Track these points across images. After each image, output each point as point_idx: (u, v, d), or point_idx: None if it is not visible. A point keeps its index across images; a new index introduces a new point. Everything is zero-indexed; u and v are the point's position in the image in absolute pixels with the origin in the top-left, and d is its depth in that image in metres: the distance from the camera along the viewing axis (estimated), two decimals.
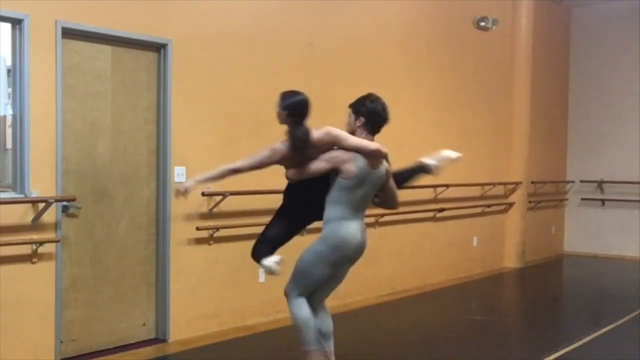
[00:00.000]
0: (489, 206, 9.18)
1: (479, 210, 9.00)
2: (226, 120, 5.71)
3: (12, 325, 4.38)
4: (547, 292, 8.47)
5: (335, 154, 3.87)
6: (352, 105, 4.07)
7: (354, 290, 7.01)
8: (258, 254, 3.99)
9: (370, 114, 3.97)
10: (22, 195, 4.40)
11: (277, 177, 6.13)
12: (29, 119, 4.40)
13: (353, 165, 3.81)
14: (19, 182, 4.43)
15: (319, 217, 3.97)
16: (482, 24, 8.89)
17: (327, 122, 6.69)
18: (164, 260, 5.30)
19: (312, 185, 3.93)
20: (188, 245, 5.44)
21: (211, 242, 5.59)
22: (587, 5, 11.23)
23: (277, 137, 6.14)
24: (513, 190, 9.74)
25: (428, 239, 8.14)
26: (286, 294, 4.04)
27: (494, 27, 9.00)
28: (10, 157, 4.50)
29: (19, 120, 4.41)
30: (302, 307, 3.96)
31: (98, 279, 4.95)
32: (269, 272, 3.94)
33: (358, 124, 3.99)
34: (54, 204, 4.51)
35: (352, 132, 3.99)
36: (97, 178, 4.93)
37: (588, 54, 11.35)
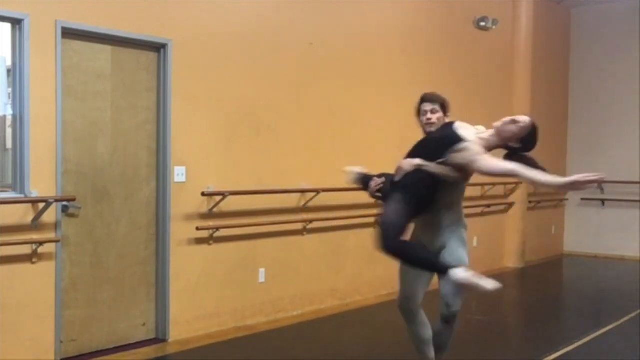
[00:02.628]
0: (488, 206, 9.17)
1: (479, 210, 9.00)
2: (226, 120, 5.71)
3: (12, 325, 4.38)
4: (547, 292, 8.46)
5: None
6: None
7: (354, 290, 7.02)
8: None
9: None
10: (22, 195, 4.40)
11: (277, 177, 6.16)
12: (29, 119, 4.40)
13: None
14: (19, 182, 4.42)
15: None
16: (482, 24, 8.89)
17: (327, 123, 6.74)
18: (164, 260, 5.29)
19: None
20: (188, 245, 5.44)
21: (211, 242, 5.59)
22: (587, 5, 11.23)
23: (276, 137, 6.18)
24: (513, 190, 9.73)
25: None
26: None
27: (494, 27, 9.00)
28: (10, 157, 4.50)
29: (19, 120, 4.41)
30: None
31: (98, 279, 4.95)
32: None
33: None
34: (54, 204, 4.51)
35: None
36: (97, 178, 4.93)
37: (588, 54, 11.34)
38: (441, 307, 4.00)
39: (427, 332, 4.10)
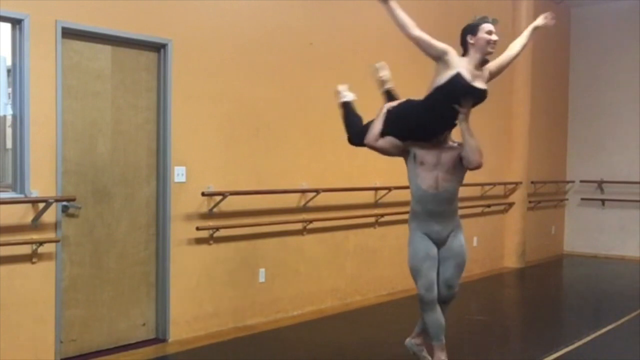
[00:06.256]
0: (488, 206, 9.18)
1: (478, 210, 9.00)
2: (226, 120, 5.71)
3: (12, 325, 4.38)
4: (547, 292, 8.46)
5: None
6: None
7: (354, 290, 7.02)
8: None
9: None
10: (22, 195, 4.40)
11: (277, 177, 6.16)
12: (29, 119, 4.40)
13: None
14: (19, 182, 4.42)
15: None
16: None
17: (327, 123, 6.73)
18: (164, 260, 5.30)
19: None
20: (188, 245, 5.44)
21: (211, 242, 5.59)
22: (587, 5, 11.23)
23: (276, 137, 6.18)
24: (513, 190, 9.74)
25: None
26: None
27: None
28: (10, 157, 4.50)
29: (19, 120, 4.41)
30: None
31: (98, 279, 4.95)
32: None
33: None
34: (54, 204, 4.51)
35: None
36: (97, 178, 4.93)
37: (588, 54, 11.34)
38: (441, 290, 4.38)
39: (443, 318, 4.40)
